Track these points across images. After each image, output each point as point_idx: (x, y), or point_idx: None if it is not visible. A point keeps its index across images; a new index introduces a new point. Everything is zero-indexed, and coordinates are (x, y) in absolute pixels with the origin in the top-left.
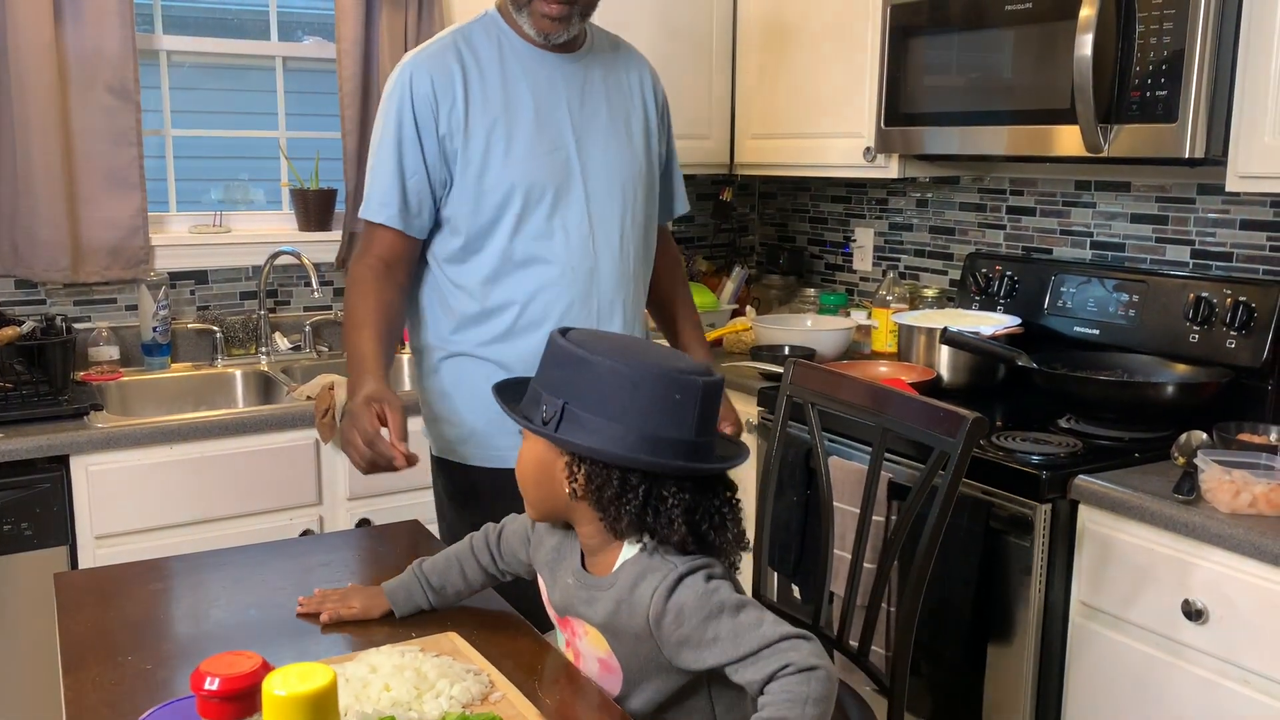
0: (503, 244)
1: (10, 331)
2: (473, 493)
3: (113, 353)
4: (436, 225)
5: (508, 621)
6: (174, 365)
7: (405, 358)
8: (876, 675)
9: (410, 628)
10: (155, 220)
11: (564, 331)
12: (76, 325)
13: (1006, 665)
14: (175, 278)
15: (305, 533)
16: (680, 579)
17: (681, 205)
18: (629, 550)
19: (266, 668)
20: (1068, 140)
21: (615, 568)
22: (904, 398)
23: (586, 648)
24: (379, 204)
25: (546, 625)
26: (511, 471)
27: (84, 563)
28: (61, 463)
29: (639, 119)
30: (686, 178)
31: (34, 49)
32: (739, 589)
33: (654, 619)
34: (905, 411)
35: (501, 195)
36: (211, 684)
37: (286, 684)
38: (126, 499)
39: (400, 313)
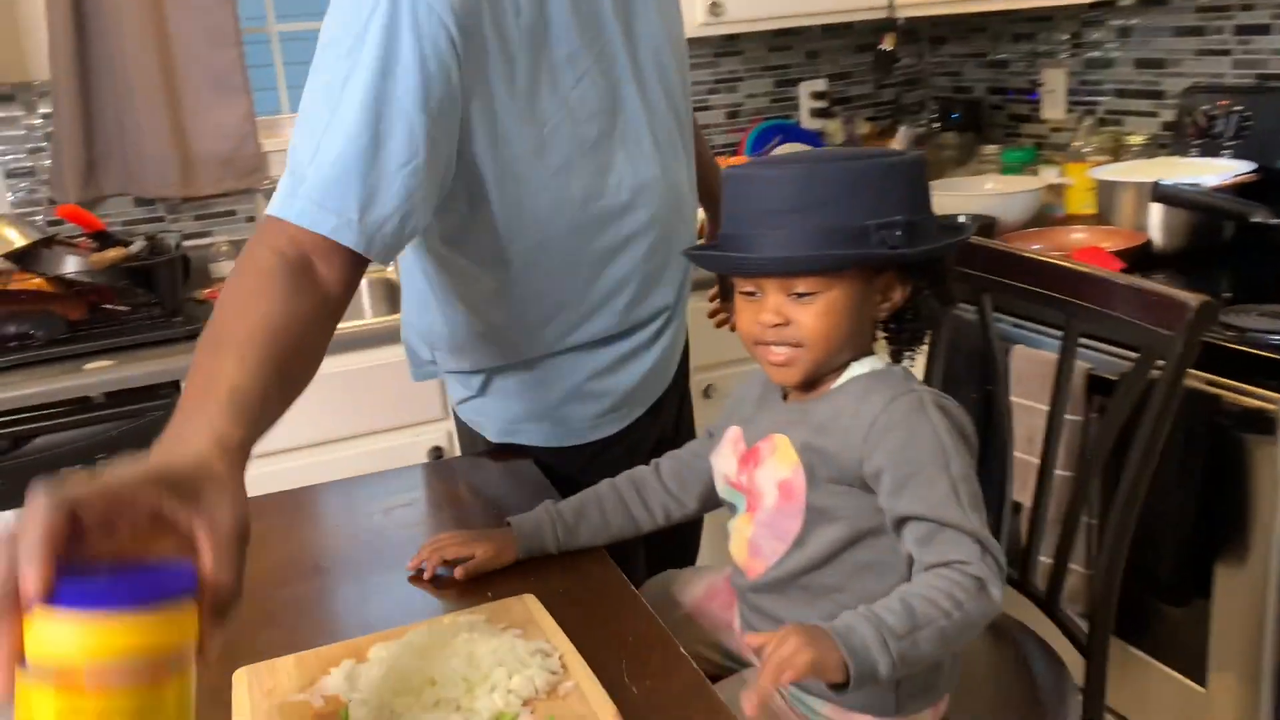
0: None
1: (115, 253)
2: (552, 474)
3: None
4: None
5: (602, 576)
6: None
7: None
8: (1072, 627)
9: (488, 585)
10: (267, 125)
11: (741, 168)
12: (197, 241)
13: (1239, 590)
14: None
15: (434, 451)
16: (936, 404)
17: None
18: (857, 369)
19: None
20: None
21: (836, 385)
22: (1101, 280)
23: (767, 473)
24: (336, 212)
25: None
26: (591, 445)
27: None
28: (175, 388)
29: None
30: (837, 27)
31: None
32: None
33: (882, 426)
34: (1104, 297)
35: (562, 153)
36: None
37: None
38: None
39: (319, 337)
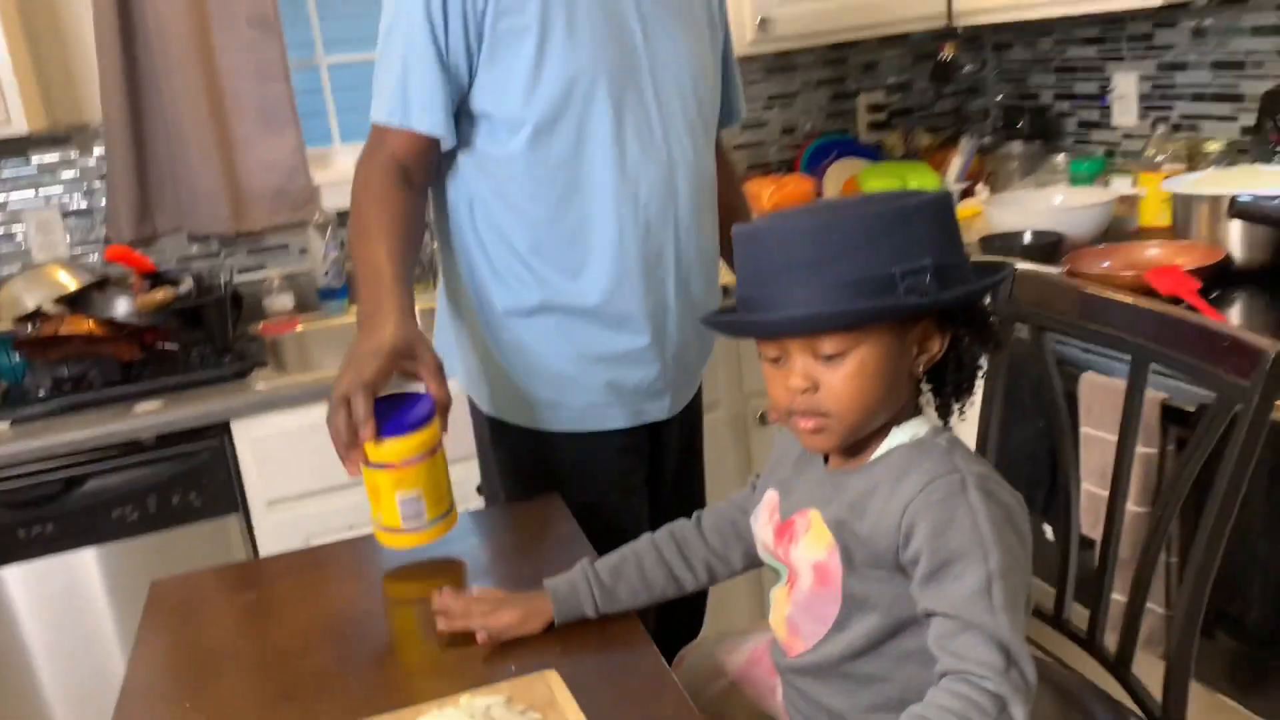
0: (566, 152)
1: (161, 295)
2: (541, 463)
3: (287, 302)
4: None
5: (631, 649)
6: (352, 308)
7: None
8: (1143, 695)
9: (510, 658)
10: (319, 156)
11: (751, 224)
12: (251, 275)
13: None
14: (344, 216)
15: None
16: (979, 487)
17: (740, 110)
18: (899, 436)
19: None
20: None
21: (876, 455)
22: (1169, 321)
23: (802, 553)
24: (420, 107)
25: (679, 644)
26: (588, 435)
27: (259, 529)
28: (224, 429)
29: (703, 2)
30: (894, 38)
31: None
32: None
33: (917, 510)
34: (1173, 338)
35: (561, 89)
36: None
37: None
38: (295, 461)
39: (421, 221)
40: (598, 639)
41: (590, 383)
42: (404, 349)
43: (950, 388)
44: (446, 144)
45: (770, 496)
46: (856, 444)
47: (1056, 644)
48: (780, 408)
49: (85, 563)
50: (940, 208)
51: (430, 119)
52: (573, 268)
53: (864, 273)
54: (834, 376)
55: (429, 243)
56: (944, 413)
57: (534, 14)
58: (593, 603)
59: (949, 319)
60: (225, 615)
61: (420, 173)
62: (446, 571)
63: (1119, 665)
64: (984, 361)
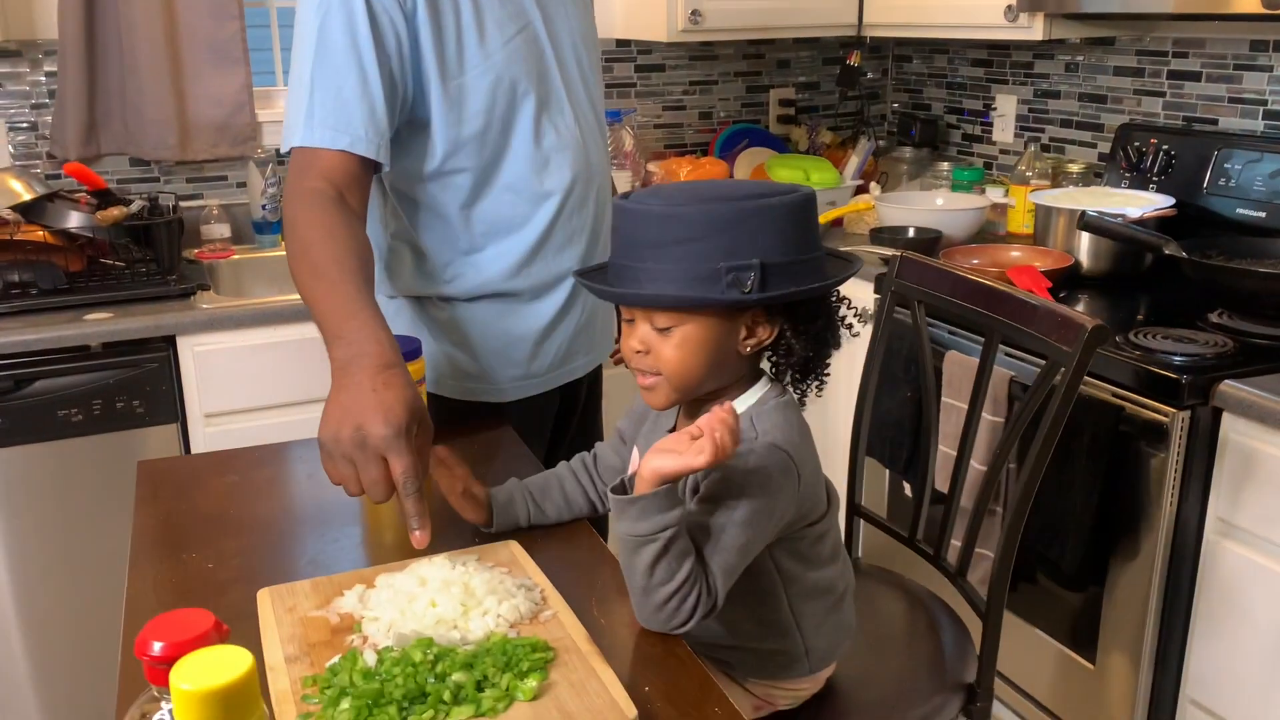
0: (495, 151)
1: (117, 212)
2: (463, 428)
3: (224, 230)
4: (401, 142)
5: (575, 528)
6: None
7: None
8: (973, 594)
9: (475, 532)
10: (262, 95)
11: (625, 199)
12: (189, 203)
13: (1129, 581)
14: (282, 155)
15: None
16: (764, 449)
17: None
18: (741, 405)
19: (218, 629)
20: None
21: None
22: (1016, 300)
23: None
24: (334, 126)
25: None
26: (507, 405)
27: (194, 440)
28: (169, 342)
29: None
30: (808, 41)
31: None
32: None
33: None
34: (1018, 314)
35: (487, 95)
36: (154, 649)
37: (193, 675)
38: (233, 379)
39: (371, 252)
40: (546, 525)
41: (517, 356)
42: (413, 413)
43: (783, 368)
44: (378, 157)
45: (636, 456)
46: (698, 405)
47: (909, 563)
48: (626, 361)
49: (30, 457)
50: (785, 212)
51: (344, 138)
52: (508, 253)
53: (694, 262)
54: (664, 345)
55: None
56: (798, 390)
57: (449, 23)
58: (526, 514)
59: (778, 312)
60: (212, 491)
61: (355, 196)
62: None
63: (956, 575)
64: (829, 355)
